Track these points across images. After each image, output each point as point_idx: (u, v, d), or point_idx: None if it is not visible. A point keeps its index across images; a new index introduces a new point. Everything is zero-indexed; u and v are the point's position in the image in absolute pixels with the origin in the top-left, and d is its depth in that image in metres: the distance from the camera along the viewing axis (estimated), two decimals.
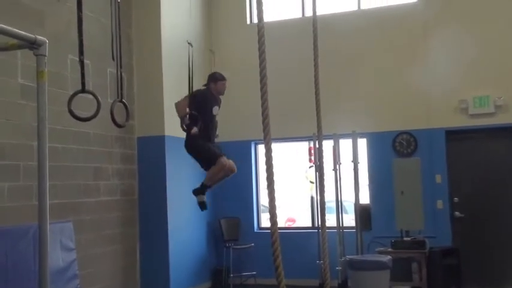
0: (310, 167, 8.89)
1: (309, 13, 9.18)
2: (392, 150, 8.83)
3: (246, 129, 9.26)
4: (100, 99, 3.97)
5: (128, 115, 4.50)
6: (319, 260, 7.66)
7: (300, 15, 9.66)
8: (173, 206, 8.21)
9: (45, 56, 3.05)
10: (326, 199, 4.01)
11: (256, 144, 9.79)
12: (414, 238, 7.75)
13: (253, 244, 9.12)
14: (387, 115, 8.88)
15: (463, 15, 8.60)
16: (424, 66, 8.64)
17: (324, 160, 4.11)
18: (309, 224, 9.43)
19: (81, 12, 3.96)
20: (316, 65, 3.82)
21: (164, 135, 8.08)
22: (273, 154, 2.60)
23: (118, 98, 4.39)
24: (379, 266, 6.77)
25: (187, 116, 5.38)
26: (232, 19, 9.88)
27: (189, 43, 5.53)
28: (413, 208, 7.77)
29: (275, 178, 2.58)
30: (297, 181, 9.98)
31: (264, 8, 2.64)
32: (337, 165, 8.20)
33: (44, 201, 2.99)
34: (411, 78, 8.64)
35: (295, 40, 8.87)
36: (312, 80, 3.83)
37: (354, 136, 8.22)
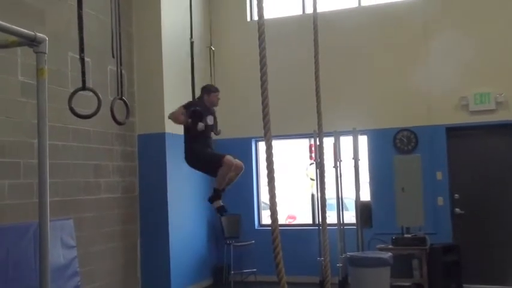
0: (310, 164, 8.89)
1: (309, 10, 9.19)
2: (393, 147, 8.83)
3: (247, 127, 9.27)
4: (101, 96, 3.96)
5: (128, 112, 4.51)
6: (320, 257, 7.66)
7: (301, 12, 9.65)
8: (174, 203, 8.21)
9: (45, 53, 3.05)
10: (326, 196, 4.01)
11: (256, 141, 9.79)
12: (415, 235, 7.75)
13: (253, 241, 9.13)
14: (388, 112, 8.88)
15: (464, 12, 8.59)
16: (425, 63, 8.64)
17: (325, 157, 4.10)
18: (310, 221, 9.44)
19: (82, 10, 3.97)
20: (316, 62, 3.81)
21: (164, 133, 8.08)
22: (274, 151, 2.60)
23: (118, 95, 4.40)
24: (379, 262, 6.77)
25: (190, 113, 5.36)
26: (233, 16, 9.88)
27: (191, 41, 5.53)
28: (413, 205, 7.77)
29: (276, 175, 2.57)
30: (298, 178, 9.99)
31: (264, 5, 2.63)
32: (338, 163, 8.20)
33: (45, 199, 2.98)
34: (412, 75, 8.64)
35: (295, 37, 8.87)
36: (313, 77, 3.82)
37: (354, 133, 8.21)
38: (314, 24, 3.90)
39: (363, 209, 8.06)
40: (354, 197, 8.19)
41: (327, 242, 3.79)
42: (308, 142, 9.27)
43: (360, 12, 9.28)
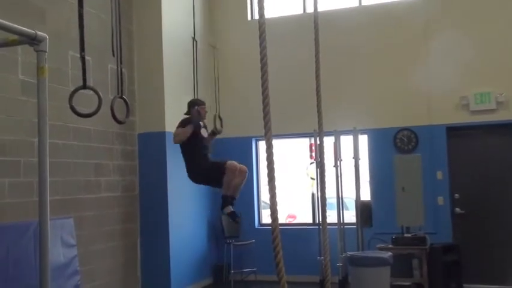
0: (311, 163, 8.89)
1: (310, 9, 9.19)
2: (393, 146, 8.83)
3: (247, 126, 9.27)
4: (101, 95, 3.96)
5: (128, 111, 4.50)
6: (320, 256, 7.66)
7: (301, 12, 9.65)
8: (174, 202, 8.21)
9: (45, 52, 3.05)
10: (327, 195, 4.01)
11: (257, 140, 9.79)
12: (415, 234, 7.75)
13: (254, 240, 9.13)
14: (388, 112, 8.87)
15: (464, 12, 8.59)
16: (425, 63, 8.64)
17: (325, 156, 4.10)
18: (310, 221, 9.44)
19: (82, 9, 3.96)
20: (317, 62, 3.81)
21: (165, 131, 8.08)
22: (274, 150, 2.60)
23: (118, 94, 4.39)
24: (379, 262, 6.77)
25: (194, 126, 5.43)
26: (233, 15, 9.88)
27: (193, 39, 5.55)
28: (414, 204, 7.77)
29: (276, 174, 2.57)
30: (298, 177, 9.98)
31: (265, 4, 2.63)
32: (338, 162, 8.19)
33: (45, 198, 2.98)
34: (412, 75, 8.64)
35: (296, 36, 8.87)
36: (313, 77, 3.82)
37: (354, 133, 8.21)
38: (315, 24, 3.90)
39: (363, 209, 8.05)
40: (354, 196, 8.19)
41: (327, 241, 3.79)
42: (308, 141, 9.27)
43: (361, 11, 9.28)
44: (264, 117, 2.58)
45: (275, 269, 2.50)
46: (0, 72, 5.75)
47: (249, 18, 9.88)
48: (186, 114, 5.70)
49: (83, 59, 4.00)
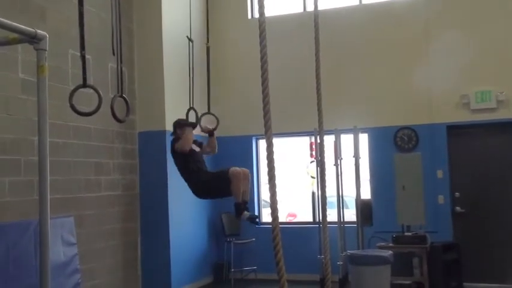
0: (311, 162, 8.89)
1: (310, 8, 9.18)
2: (394, 145, 8.82)
3: (247, 124, 9.27)
4: (101, 94, 3.96)
5: (129, 110, 4.50)
6: (320, 255, 7.66)
7: (301, 10, 9.64)
8: (174, 200, 8.21)
9: (45, 50, 3.04)
10: (327, 194, 4.01)
11: (257, 139, 9.78)
12: (415, 233, 7.75)
13: (254, 239, 9.13)
14: (388, 110, 8.87)
15: (465, 11, 8.58)
16: (426, 61, 8.63)
17: (325, 155, 4.10)
18: (310, 219, 9.43)
19: (83, 7, 3.96)
20: (317, 60, 3.80)
21: (165, 130, 8.07)
22: (274, 149, 2.60)
23: (118, 93, 4.39)
24: (380, 261, 6.77)
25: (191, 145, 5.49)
26: (233, 14, 9.87)
27: (188, 38, 5.52)
28: (414, 203, 7.77)
29: (276, 173, 2.57)
30: (298, 176, 9.99)
31: (265, 2, 2.63)
32: (339, 161, 8.20)
33: (45, 196, 2.98)
34: (412, 73, 8.63)
35: (296, 35, 8.86)
36: (313, 75, 3.82)
37: (355, 131, 8.21)
38: (315, 22, 3.90)
39: (363, 207, 8.06)
40: (354, 195, 8.20)
41: (327, 240, 3.80)
42: (309, 140, 9.27)
43: (361, 10, 9.27)
44: (264, 116, 2.58)
45: (275, 268, 2.50)
46: (0, 71, 5.75)
47: (249, 16, 9.87)
48: (172, 135, 5.66)
49: (83, 57, 4.00)
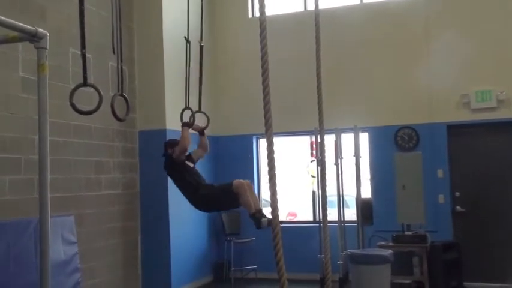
0: (311, 161, 8.89)
1: (311, 7, 9.17)
2: (394, 144, 8.82)
3: (248, 124, 9.27)
4: (102, 92, 3.96)
5: (129, 109, 4.49)
6: (320, 254, 7.67)
7: (302, 9, 9.64)
8: (174, 199, 8.19)
9: (46, 49, 3.04)
10: (327, 193, 4.01)
11: (257, 138, 9.78)
12: (415, 232, 7.75)
13: (254, 238, 9.12)
14: (389, 109, 8.87)
15: (465, 10, 8.58)
16: (426, 61, 8.63)
17: (326, 154, 4.10)
18: (310, 218, 9.43)
19: (83, 6, 3.95)
20: (318, 59, 3.80)
21: (166, 129, 8.07)
22: (275, 148, 2.60)
23: (119, 91, 4.38)
24: (380, 260, 6.77)
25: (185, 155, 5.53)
26: (234, 13, 9.87)
27: (186, 39, 5.50)
28: (414, 202, 7.77)
29: (276, 172, 2.57)
30: (299, 175, 9.99)
31: (265, 1, 2.63)
32: (339, 160, 8.20)
33: (45, 195, 2.98)
34: (413, 73, 8.64)
35: (296, 34, 8.87)
36: (314, 74, 3.82)
37: (355, 130, 8.22)
38: (316, 21, 3.90)
39: (363, 206, 8.06)
40: (354, 194, 8.20)
41: (328, 239, 3.80)
42: (309, 139, 9.26)
43: (361, 9, 9.27)
44: (265, 115, 2.58)
45: (275, 267, 2.50)
46: (0, 69, 5.75)
47: (250, 15, 9.87)
48: (163, 154, 5.66)
49: (83, 56, 3.99)
